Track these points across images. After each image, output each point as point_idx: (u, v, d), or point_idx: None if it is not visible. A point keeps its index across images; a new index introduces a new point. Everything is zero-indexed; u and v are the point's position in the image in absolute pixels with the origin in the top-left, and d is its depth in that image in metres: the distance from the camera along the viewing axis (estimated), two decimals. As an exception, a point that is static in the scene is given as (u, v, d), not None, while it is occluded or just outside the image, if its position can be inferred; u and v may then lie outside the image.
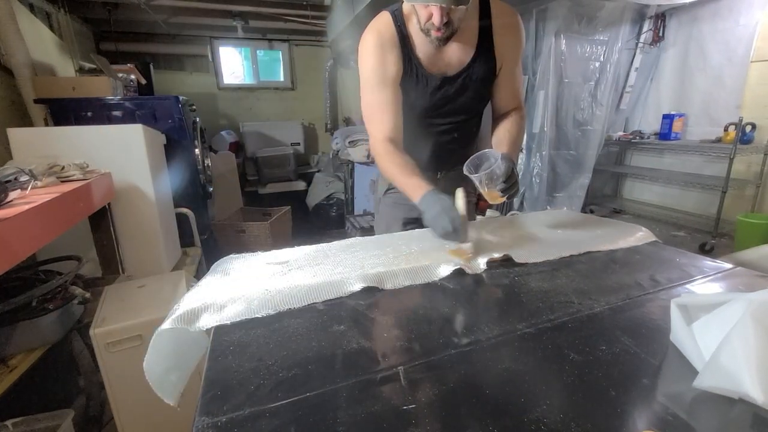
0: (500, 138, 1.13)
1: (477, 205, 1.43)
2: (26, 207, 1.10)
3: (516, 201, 3.91)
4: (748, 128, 2.97)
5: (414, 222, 1.32)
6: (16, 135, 1.72)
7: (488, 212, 3.21)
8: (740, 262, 0.89)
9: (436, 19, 0.93)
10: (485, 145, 1.18)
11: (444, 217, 0.90)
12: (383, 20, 1.08)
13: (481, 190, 0.98)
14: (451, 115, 1.17)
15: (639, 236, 1.04)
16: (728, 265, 0.86)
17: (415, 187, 1.00)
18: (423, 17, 0.97)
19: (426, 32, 1.00)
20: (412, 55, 1.08)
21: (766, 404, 0.44)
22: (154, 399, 0.68)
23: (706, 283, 0.80)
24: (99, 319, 1.31)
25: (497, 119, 1.20)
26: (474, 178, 0.96)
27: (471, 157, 0.98)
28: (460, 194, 0.96)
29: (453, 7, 0.90)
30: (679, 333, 0.57)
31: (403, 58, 1.07)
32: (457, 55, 1.09)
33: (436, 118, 1.17)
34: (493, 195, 0.97)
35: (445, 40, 1.01)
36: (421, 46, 1.07)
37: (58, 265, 1.55)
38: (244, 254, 0.97)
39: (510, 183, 0.94)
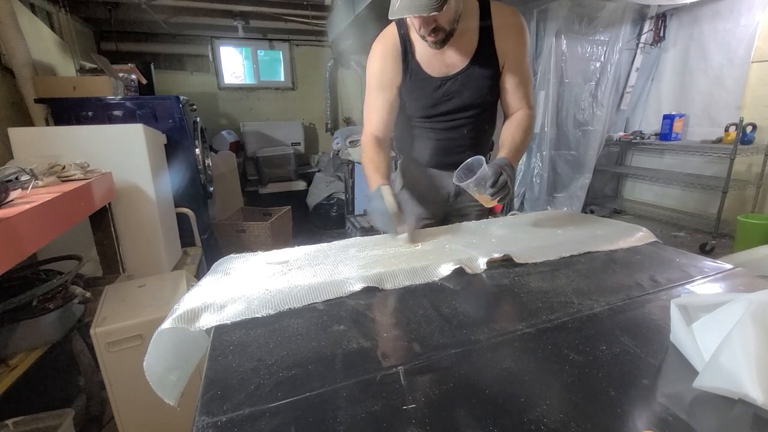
0: (503, 142, 1.17)
1: (490, 209, 1.47)
2: (27, 206, 1.10)
3: (516, 201, 3.91)
4: (749, 129, 2.97)
5: (429, 218, 1.38)
6: (17, 134, 1.73)
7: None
8: (740, 263, 0.89)
9: (422, 30, 1.01)
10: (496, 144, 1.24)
11: (379, 214, 1.05)
12: (389, 29, 1.17)
13: (475, 196, 1.04)
14: (456, 111, 1.21)
15: (639, 236, 1.04)
16: (728, 266, 0.86)
17: (372, 181, 1.12)
18: (416, 26, 1.03)
19: (423, 38, 1.06)
20: (412, 59, 1.16)
21: (766, 405, 0.44)
22: (155, 399, 0.68)
23: (706, 283, 0.80)
24: (99, 319, 1.31)
25: (505, 120, 1.24)
26: (463, 186, 1.02)
27: (459, 167, 1.05)
28: (386, 191, 1.07)
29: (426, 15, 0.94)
30: (679, 333, 0.57)
31: (403, 63, 1.16)
32: (457, 56, 1.14)
33: (443, 115, 1.22)
34: (484, 198, 1.03)
35: (441, 43, 1.06)
36: (422, 50, 1.15)
37: (59, 264, 1.55)
38: (244, 254, 0.98)
39: (498, 188, 0.99)
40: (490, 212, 1.43)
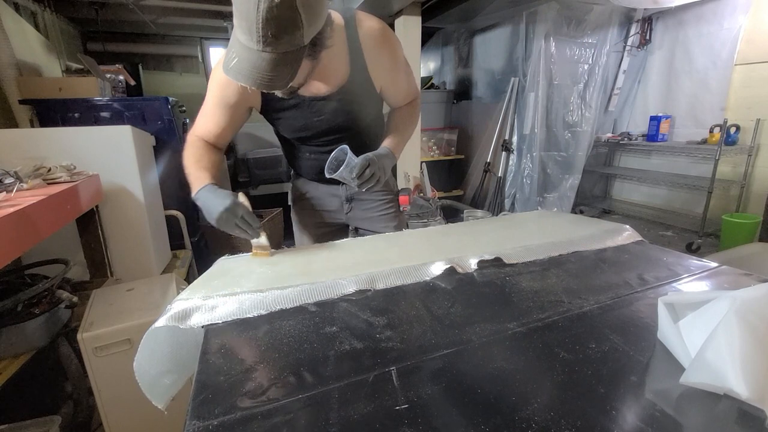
0: (387, 130, 1.18)
1: (397, 200, 1.36)
2: (11, 209, 1.08)
3: (507, 201, 3.94)
4: (733, 130, 3.04)
5: (326, 226, 1.35)
6: (1, 136, 1.69)
7: (480, 212, 3.22)
8: (725, 261, 0.91)
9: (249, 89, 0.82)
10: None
11: (233, 210, 0.90)
12: None
13: (351, 184, 1.01)
14: (335, 132, 1.13)
15: (625, 236, 1.05)
16: (714, 264, 0.87)
17: (197, 179, 0.97)
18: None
19: None
20: None
21: (750, 399, 0.45)
22: (145, 403, 0.67)
23: (692, 281, 0.81)
24: (87, 324, 1.28)
25: (390, 112, 1.23)
26: (336, 176, 0.98)
27: (329, 159, 1.00)
28: (241, 194, 0.96)
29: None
30: (666, 331, 0.58)
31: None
32: (330, 76, 1.02)
33: (322, 136, 1.14)
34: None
35: (292, 93, 0.98)
36: None
37: (45, 268, 1.52)
38: (236, 255, 0.97)
39: (364, 179, 0.99)
40: (396, 212, 1.33)
